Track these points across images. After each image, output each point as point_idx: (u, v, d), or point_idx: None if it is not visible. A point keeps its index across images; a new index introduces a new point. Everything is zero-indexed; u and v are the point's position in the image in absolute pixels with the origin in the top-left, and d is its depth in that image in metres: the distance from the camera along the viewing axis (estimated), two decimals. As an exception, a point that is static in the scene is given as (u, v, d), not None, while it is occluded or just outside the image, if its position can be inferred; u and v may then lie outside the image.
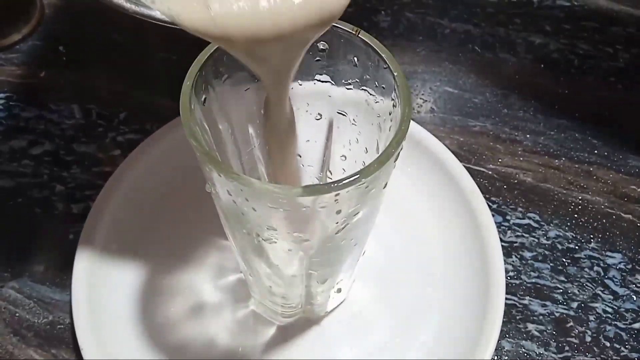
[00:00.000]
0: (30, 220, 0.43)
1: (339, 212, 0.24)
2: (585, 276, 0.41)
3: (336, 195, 0.22)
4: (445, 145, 0.44)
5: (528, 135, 0.48)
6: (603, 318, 0.40)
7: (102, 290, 0.38)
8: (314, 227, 0.25)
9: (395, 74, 0.25)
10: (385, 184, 0.26)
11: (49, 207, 0.43)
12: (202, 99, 0.26)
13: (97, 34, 0.53)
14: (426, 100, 0.49)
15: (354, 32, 0.26)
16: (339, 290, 0.36)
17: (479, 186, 0.42)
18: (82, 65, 0.51)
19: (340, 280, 0.34)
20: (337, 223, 0.25)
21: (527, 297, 0.41)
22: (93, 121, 0.48)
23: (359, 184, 0.22)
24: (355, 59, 0.27)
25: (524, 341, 0.39)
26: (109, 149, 0.46)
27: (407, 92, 0.25)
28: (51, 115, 0.48)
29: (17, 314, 0.39)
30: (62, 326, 0.39)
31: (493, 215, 0.41)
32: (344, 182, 0.22)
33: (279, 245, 0.27)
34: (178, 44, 0.52)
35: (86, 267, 0.38)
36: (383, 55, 0.26)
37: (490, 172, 0.46)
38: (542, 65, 0.52)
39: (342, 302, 0.39)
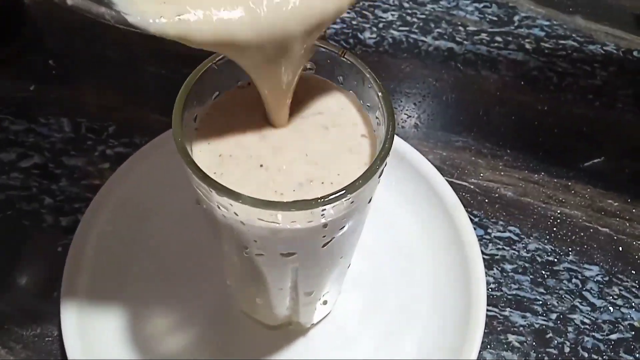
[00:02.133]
0: (19, 232, 0.43)
1: (325, 226, 0.25)
2: (564, 288, 0.43)
3: (322, 210, 0.23)
4: (429, 159, 0.45)
5: (509, 151, 0.49)
6: (581, 329, 0.41)
7: (90, 303, 0.39)
8: (301, 241, 0.26)
9: (379, 93, 0.26)
10: (370, 199, 0.27)
11: (38, 220, 0.44)
12: (194, 116, 0.27)
13: (87, 48, 0.54)
14: (410, 116, 0.51)
15: (339, 53, 0.27)
16: (325, 302, 0.37)
17: (461, 200, 0.43)
18: (71, 80, 0.52)
19: (327, 292, 0.35)
20: (324, 237, 0.26)
21: (508, 309, 0.42)
22: (82, 135, 0.48)
23: (345, 199, 0.23)
24: (341, 78, 0.28)
25: (504, 352, 0.40)
26: (98, 162, 0.47)
27: (390, 110, 0.26)
28: (41, 128, 0.48)
29: (5, 326, 0.39)
30: (50, 338, 0.39)
31: (475, 229, 0.42)
32: (330, 197, 0.23)
33: (267, 258, 0.28)
34: (167, 59, 0.53)
35: (75, 279, 0.39)
36: (367, 75, 0.27)
37: (472, 186, 0.47)
38: (522, 82, 0.54)
39: (327, 314, 0.40)
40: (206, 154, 0.25)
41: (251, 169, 0.24)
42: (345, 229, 0.27)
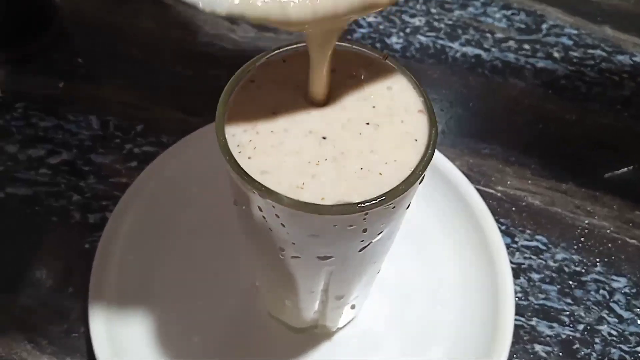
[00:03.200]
0: (47, 228, 0.43)
1: (365, 230, 0.25)
2: (591, 299, 0.42)
3: (365, 214, 0.23)
4: (456, 166, 0.45)
5: (536, 159, 0.49)
6: (608, 340, 0.41)
7: (117, 300, 0.39)
8: (340, 244, 0.26)
9: (421, 98, 0.26)
10: (409, 204, 0.27)
11: (66, 217, 0.44)
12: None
13: (114, 47, 0.54)
14: (438, 122, 0.50)
15: (382, 57, 0.27)
16: (353, 307, 0.37)
17: (488, 207, 0.43)
18: (99, 78, 0.52)
19: (356, 296, 0.35)
20: (362, 241, 0.26)
21: (535, 319, 0.41)
22: (110, 133, 0.48)
23: (387, 204, 0.23)
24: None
25: (531, 362, 0.40)
26: (125, 160, 0.47)
27: (433, 116, 0.26)
28: (69, 125, 0.49)
29: (32, 321, 0.39)
30: (76, 334, 0.39)
31: (502, 237, 0.42)
32: (373, 202, 0.23)
33: (303, 260, 0.28)
34: (193, 60, 0.53)
35: (102, 276, 0.39)
36: (409, 80, 0.27)
37: (499, 194, 0.47)
38: (550, 91, 0.53)
39: (353, 319, 0.40)
40: (240, 136, 0.24)
41: (288, 154, 0.24)
42: (383, 233, 0.27)
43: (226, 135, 0.24)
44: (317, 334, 0.39)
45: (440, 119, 0.51)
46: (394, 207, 0.24)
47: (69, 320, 0.40)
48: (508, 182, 0.47)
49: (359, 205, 0.23)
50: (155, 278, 0.41)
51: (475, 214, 0.43)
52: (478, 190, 0.44)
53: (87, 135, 0.48)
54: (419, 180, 0.24)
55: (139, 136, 0.48)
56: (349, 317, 0.39)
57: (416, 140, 0.25)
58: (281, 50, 0.28)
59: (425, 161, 0.24)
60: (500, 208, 0.46)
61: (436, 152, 0.45)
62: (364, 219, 0.24)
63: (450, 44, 0.56)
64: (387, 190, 0.23)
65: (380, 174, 0.24)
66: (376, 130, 0.25)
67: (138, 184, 0.43)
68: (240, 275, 0.41)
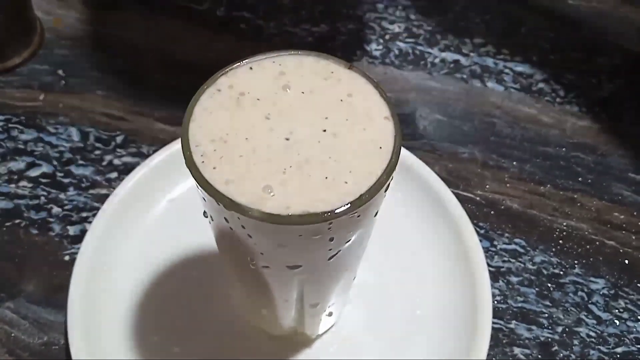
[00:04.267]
0: (26, 241, 0.43)
1: (331, 239, 0.25)
2: (570, 301, 0.43)
3: (329, 224, 0.24)
4: (435, 171, 0.45)
5: (514, 163, 0.49)
6: (587, 342, 0.41)
7: (97, 312, 0.39)
8: (307, 253, 0.26)
9: (387, 105, 0.26)
10: (376, 212, 0.27)
11: (46, 229, 0.44)
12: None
13: (95, 58, 0.54)
14: (416, 127, 0.51)
15: (346, 66, 0.28)
16: (330, 314, 0.37)
17: (467, 212, 0.43)
18: (80, 89, 0.52)
19: (332, 304, 0.35)
20: (330, 250, 0.26)
21: (514, 321, 0.42)
22: (90, 144, 0.48)
23: (351, 213, 0.23)
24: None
25: (510, 365, 0.40)
26: (106, 171, 0.47)
27: (397, 123, 0.26)
28: (49, 137, 0.49)
29: (12, 334, 0.40)
30: (56, 347, 0.39)
31: (481, 241, 0.42)
32: (337, 211, 0.23)
33: (273, 270, 0.28)
34: (174, 69, 0.54)
35: (81, 288, 0.39)
36: (374, 88, 0.27)
37: (478, 198, 0.47)
38: (529, 95, 0.54)
39: (332, 326, 0.40)
40: (205, 146, 0.25)
41: (253, 163, 0.24)
42: (351, 241, 0.27)
43: (191, 146, 0.25)
44: (297, 341, 0.39)
45: (419, 124, 0.51)
46: (359, 216, 0.25)
47: (50, 333, 0.40)
48: (487, 186, 0.48)
49: (322, 214, 0.23)
50: (135, 289, 0.41)
51: (453, 218, 0.43)
52: (457, 194, 0.44)
53: (67, 147, 0.48)
54: (384, 188, 0.25)
55: (119, 147, 0.48)
56: (328, 324, 0.39)
57: (381, 147, 0.25)
58: (250, 59, 0.28)
59: (389, 168, 0.25)
60: (479, 212, 0.46)
61: (414, 157, 0.45)
62: (329, 229, 0.24)
63: (430, 50, 0.56)
64: (352, 199, 0.23)
65: (345, 182, 0.24)
66: (336, 138, 0.25)
67: (116, 195, 0.43)
68: (218, 284, 0.41)
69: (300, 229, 0.24)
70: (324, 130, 0.25)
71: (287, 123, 0.26)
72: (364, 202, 0.24)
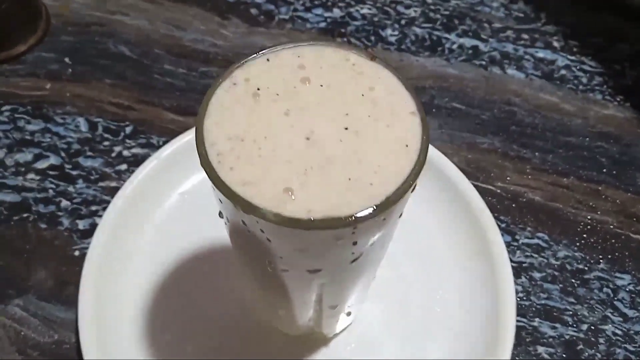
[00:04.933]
0: (35, 236, 0.42)
1: (355, 243, 0.24)
2: (595, 298, 0.41)
3: (354, 228, 0.22)
4: (453, 162, 0.43)
5: (536, 153, 0.48)
6: (613, 340, 0.40)
7: (108, 309, 0.38)
8: (329, 258, 0.25)
9: (413, 100, 0.25)
10: (401, 214, 0.26)
11: (55, 223, 0.43)
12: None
13: (102, 45, 0.53)
14: (434, 117, 0.49)
15: (369, 57, 0.26)
16: (349, 314, 0.36)
17: (487, 205, 0.41)
18: (88, 78, 0.51)
19: (351, 304, 0.33)
20: (353, 253, 0.25)
21: (537, 319, 0.40)
22: (99, 135, 0.47)
23: (377, 217, 0.22)
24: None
25: (533, 364, 0.39)
26: (115, 163, 0.46)
27: (424, 120, 0.24)
28: (57, 128, 0.47)
29: (22, 333, 0.39)
30: (67, 345, 0.38)
31: (502, 235, 0.41)
32: (361, 215, 0.22)
33: (292, 274, 0.27)
34: (184, 57, 0.52)
35: (92, 285, 0.38)
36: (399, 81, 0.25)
37: (498, 191, 0.45)
38: (550, 82, 0.52)
39: (350, 324, 0.39)
40: (221, 145, 0.23)
41: (272, 163, 0.23)
42: (374, 244, 0.25)
43: (206, 144, 0.23)
44: (313, 340, 0.38)
45: (437, 113, 0.49)
46: (384, 219, 0.23)
47: (60, 331, 0.39)
48: (507, 178, 0.46)
49: (346, 219, 0.22)
50: (147, 286, 0.40)
51: (474, 212, 0.41)
52: (476, 187, 0.43)
53: (75, 138, 0.47)
54: (411, 189, 0.23)
55: (128, 138, 0.47)
56: (346, 323, 0.38)
57: (407, 145, 0.24)
58: (267, 50, 0.27)
59: (417, 169, 0.23)
60: (499, 205, 0.45)
61: (433, 148, 0.43)
62: (353, 233, 0.23)
63: (447, 35, 0.55)
64: (377, 202, 0.22)
65: (370, 184, 0.23)
66: (359, 136, 0.23)
67: (127, 188, 0.42)
68: (233, 282, 0.40)
69: (323, 233, 0.22)
70: (346, 128, 0.24)
71: (308, 120, 0.24)
72: (390, 204, 0.22)
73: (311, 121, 0.24)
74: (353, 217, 0.22)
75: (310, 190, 0.22)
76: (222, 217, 0.26)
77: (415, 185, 0.23)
